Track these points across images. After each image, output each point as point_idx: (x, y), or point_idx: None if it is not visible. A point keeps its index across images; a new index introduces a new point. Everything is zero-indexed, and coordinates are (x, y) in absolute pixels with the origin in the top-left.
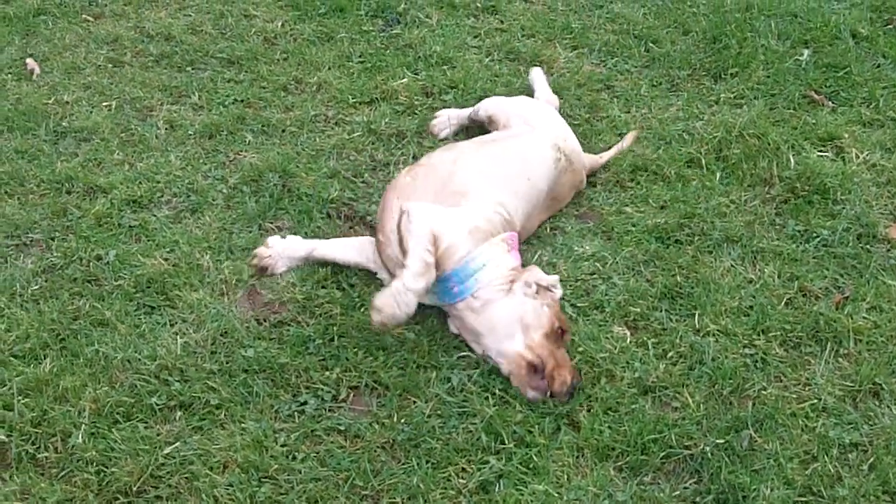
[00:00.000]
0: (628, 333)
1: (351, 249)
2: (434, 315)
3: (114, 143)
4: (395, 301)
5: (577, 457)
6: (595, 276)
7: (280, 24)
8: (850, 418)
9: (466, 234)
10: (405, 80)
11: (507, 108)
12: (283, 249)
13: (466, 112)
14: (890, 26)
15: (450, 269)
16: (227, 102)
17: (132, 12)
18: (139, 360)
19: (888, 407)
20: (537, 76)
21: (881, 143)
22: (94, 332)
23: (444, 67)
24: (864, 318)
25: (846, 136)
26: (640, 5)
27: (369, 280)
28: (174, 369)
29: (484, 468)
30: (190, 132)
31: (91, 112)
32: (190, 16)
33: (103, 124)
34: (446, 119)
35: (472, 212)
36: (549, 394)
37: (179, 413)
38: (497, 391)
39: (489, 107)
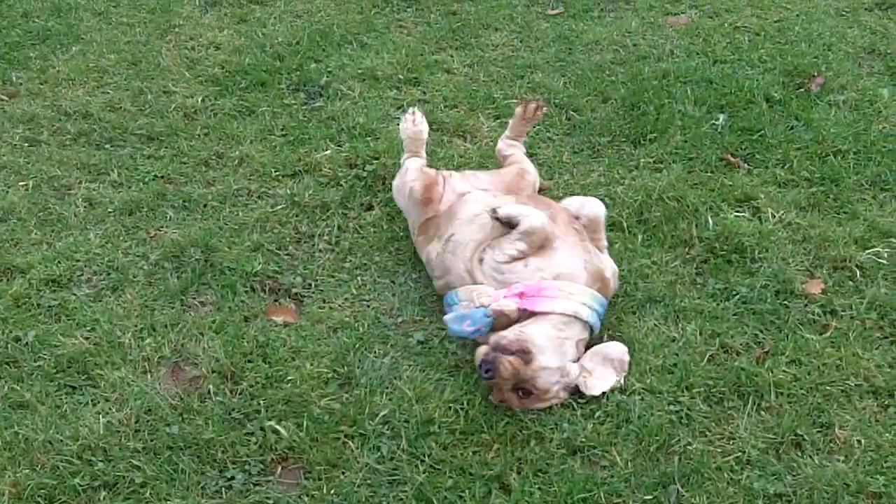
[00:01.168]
0: None
1: None
2: (361, 385)
3: (31, 222)
4: None
5: None
6: None
7: (200, 99)
8: (774, 469)
9: None
10: (328, 151)
11: None
12: None
13: None
14: (802, 90)
15: None
16: (147, 179)
17: (48, 91)
18: (61, 440)
19: (810, 457)
20: None
21: (796, 203)
22: (14, 415)
23: (368, 139)
24: (784, 371)
25: (762, 196)
26: (561, 75)
27: (295, 353)
28: (97, 449)
29: None
30: (109, 210)
31: (7, 192)
32: (108, 93)
33: (20, 204)
34: None
35: None
36: None
37: (104, 493)
38: (427, 458)
39: None
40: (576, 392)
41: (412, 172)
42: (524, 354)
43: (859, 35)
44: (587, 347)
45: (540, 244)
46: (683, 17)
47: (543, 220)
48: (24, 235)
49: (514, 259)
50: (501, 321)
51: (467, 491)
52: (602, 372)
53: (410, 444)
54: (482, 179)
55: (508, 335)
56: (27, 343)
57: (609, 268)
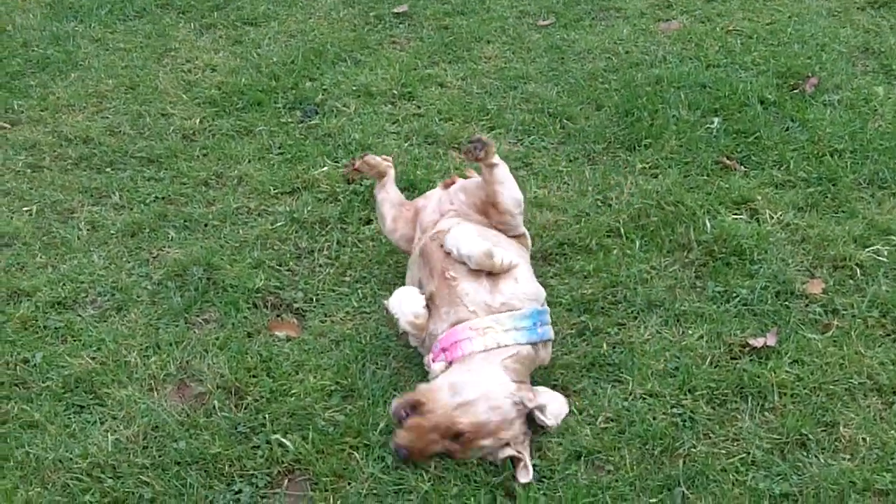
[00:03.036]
0: None
1: None
2: (364, 396)
3: (36, 246)
4: None
5: None
6: None
7: (198, 120)
8: (779, 469)
9: None
10: (326, 168)
11: None
12: None
13: None
14: (796, 91)
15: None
16: (149, 200)
17: (49, 117)
18: (71, 459)
19: (815, 456)
20: None
21: (794, 203)
22: (24, 435)
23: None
24: (787, 371)
25: (759, 198)
26: (554, 84)
27: (298, 367)
28: (106, 466)
29: None
30: (112, 231)
31: (11, 217)
32: (108, 118)
33: (24, 229)
34: None
35: None
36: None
37: None
38: (432, 468)
39: None
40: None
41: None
42: (414, 408)
43: (852, 34)
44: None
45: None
46: (675, 23)
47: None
48: (29, 259)
49: None
50: None
51: (472, 498)
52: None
53: None
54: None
55: (394, 402)
56: (35, 364)
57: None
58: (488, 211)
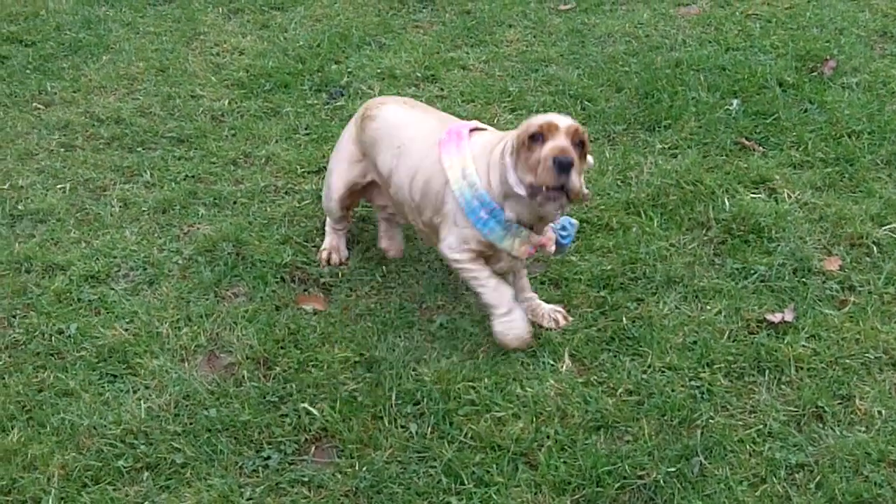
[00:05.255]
0: (574, 368)
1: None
2: (388, 367)
3: (70, 222)
4: (505, 329)
5: (535, 493)
6: None
7: (227, 102)
8: (796, 441)
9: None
10: None
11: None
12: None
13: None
14: (814, 73)
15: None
16: (179, 179)
17: (81, 98)
18: (104, 425)
19: (831, 428)
20: None
21: (811, 183)
22: (60, 402)
23: None
24: (804, 346)
25: (777, 178)
26: (575, 67)
27: (324, 339)
28: (139, 433)
29: None
30: (143, 209)
31: (46, 194)
32: (138, 99)
33: (58, 205)
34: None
35: None
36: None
37: (146, 474)
38: (455, 436)
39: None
40: None
41: None
42: None
43: (871, 18)
44: None
45: None
46: (695, 8)
47: None
48: (63, 235)
49: None
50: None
51: (495, 466)
52: None
53: (438, 422)
54: None
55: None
56: (70, 335)
57: None
58: None
